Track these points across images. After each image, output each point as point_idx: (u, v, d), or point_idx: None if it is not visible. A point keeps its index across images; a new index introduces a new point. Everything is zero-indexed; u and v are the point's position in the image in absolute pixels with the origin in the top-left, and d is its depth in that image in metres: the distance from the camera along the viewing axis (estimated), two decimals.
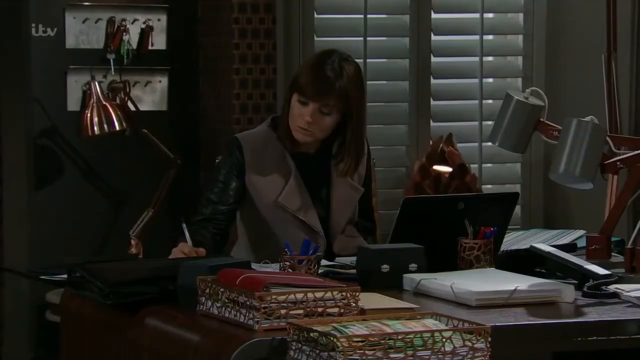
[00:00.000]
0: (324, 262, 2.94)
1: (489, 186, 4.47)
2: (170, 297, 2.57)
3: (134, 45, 4.24)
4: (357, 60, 4.29)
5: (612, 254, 2.98)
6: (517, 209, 4.46)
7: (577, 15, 4.41)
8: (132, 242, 4.05)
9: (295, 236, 3.09)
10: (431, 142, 4.39)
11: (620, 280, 2.72)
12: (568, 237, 3.25)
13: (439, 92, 4.45)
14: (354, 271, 2.86)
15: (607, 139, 2.92)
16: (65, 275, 2.78)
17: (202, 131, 4.34)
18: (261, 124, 3.25)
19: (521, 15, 4.51)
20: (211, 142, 4.28)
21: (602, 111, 3.87)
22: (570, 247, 3.06)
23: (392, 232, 2.94)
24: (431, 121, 4.43)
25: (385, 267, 2.76)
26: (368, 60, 4.35)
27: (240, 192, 3.16)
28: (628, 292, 2.63)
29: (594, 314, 2.50)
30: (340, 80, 3.11)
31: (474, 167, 4.41)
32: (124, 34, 4.21)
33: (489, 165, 4.52)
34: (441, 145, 4.34)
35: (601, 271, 2.73)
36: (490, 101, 4.50)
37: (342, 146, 3.17)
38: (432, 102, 4.43)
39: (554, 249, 2.89)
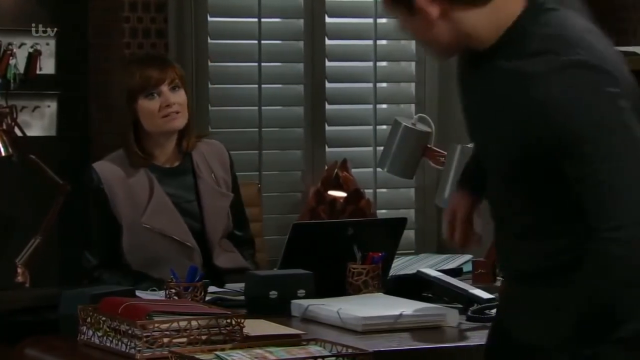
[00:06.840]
0: (212, 288, 2.91)
1: (384, 211, 4.48)
2: (51, 327, 2.52)
3: (22, 70, 4.16)
4: (252, 86, 4.34)
5: (497, 277, 3.01)
6: (411, 234, 4.48)
7: None
8: (19, 270, 3.95)
9: (169, 255, 3.07)
10: (326, 167, 4.39)
11: None
12: (455, 261, 3.28)
13: (333, 118, 4.46)
14: (242, 297, 2.84)
15: None
16: None
17: (92, 157, 4.27)
18: (116, 151, 3.24)
19: (413, 43, 4.55)
20: None
21: None
22: (456, 272, 3.08)
23: (281, 257, 2.93)
24: (326, 146, 4.43)
25: (273, 293, 2.74)
26: (263, 85, 4.34)
27: (117, 229, 3.13)
28: None
29: (476, 338, 2.51)
30: (166, 59, 3.31)
31: (369, 192, 4.43)
32: (11, 58, 4.13)
33: (384, 190, 4.54)
34: (336, 170, 4.35)
35: (485, 295, 2.76)
36: (384, 127, 4.51)
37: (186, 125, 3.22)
38: (327, 128, 4.44)
39: (441, 273, 2.91)
